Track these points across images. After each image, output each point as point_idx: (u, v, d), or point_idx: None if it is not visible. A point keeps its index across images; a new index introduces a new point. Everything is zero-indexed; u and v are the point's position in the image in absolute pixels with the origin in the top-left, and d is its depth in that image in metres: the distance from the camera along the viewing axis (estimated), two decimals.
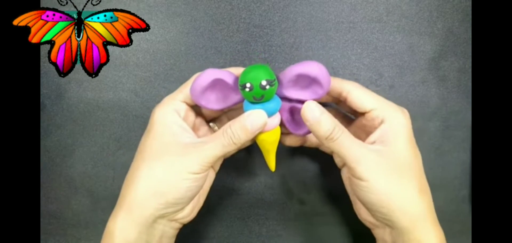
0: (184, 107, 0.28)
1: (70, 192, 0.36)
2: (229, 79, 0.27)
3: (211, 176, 0.31)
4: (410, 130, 0.27)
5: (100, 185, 0.36)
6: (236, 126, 0.26)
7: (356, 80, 0.35)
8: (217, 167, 0.32)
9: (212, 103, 0.28)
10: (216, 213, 0.36)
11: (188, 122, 0.29)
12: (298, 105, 0.28)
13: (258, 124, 0.26)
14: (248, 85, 0.25)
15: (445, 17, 0.35)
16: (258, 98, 0.26)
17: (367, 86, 0.35)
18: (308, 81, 0.27)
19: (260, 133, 0.28)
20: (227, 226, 0.36)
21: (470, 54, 0.35)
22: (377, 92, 0.35)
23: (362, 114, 0.29)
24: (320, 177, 0.36)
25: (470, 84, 0.36)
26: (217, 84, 0.27)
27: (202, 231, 0.36)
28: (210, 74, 0.26)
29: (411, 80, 0.35)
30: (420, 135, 0.36)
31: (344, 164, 0.31)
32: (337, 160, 0.32)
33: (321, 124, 0.26)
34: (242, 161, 0.36)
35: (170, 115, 0.27)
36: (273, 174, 0.34)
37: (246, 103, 0.27)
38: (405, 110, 0.28)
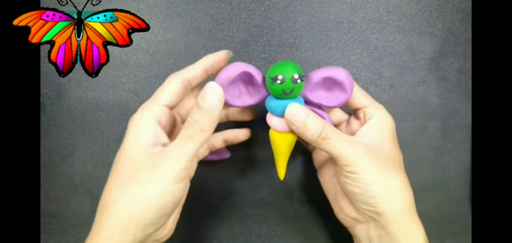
0: (165, 111, 0.27)
1: (70, 192, 0.36)
2: (256, 74, 0.27)
3: (187, 184, 0.27)
4: (394, 129, 0.29)
5: (100, 185, 0.35)
6: (194, 110, 0.24)
7: (356, 80, 0.35)
8: (192, 172, 0.30)
9: (235, 98, 0.27)
10: (216, 213, 0.36)
11: (170, 126, 0.27)
12: (316, 109, 0.28)
13: (213, 95, 0.24)
14: (280, 77, 0.25)
15: (445, 17, 0.35)
16: (288, 92, 0.26)
17: (367, 86, 0.35)
18: (333, 85, 0.27)
19: (279, 132, 0.27)
20: (227, 226, 0.36)
21: (470, 54, 0.35)
22: (377, 92, 0.35)
23: (354, 112, 0.30)
24: None
25: (470, 84, 0.36)
26: (241, 79, 0.27)
27: (202, 231, 0.36)
28: (238, 67, 0.26)
29: (411, 80, 0.35)
30: (420, 135, 0.36)
31: (322, 165, 0.32)
32: (316, 160, 0.33)
33: (307, 125, 0.26)
34: (242, 161, 0.36)
35: (143, 123, 0.26)
36: (273, 174, 0.34)
37: (270, 99, 0.27)
38: (390, 115, 0.29)
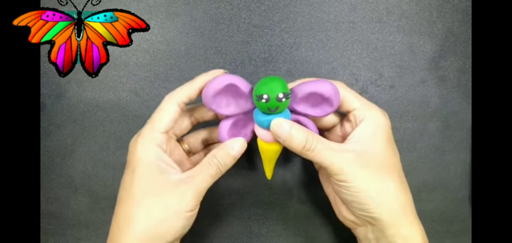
0: (164, 138, 0.28)
1: (70, 192, 0.36)
2: (243, 87, 0.27)
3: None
4: (389, 129, 0.28)
5: (100, 185, 0.36)
6: (221, 153, 0.27)
7: (356, 80, 0.35)
8: None
9: (223, 108, 0.28)
10: (216, 213, 0.36)
11: (168, 153, 0.28)
12: (302, 118, 0.29)
13: (241, 149, 0.28)
14: (265, 96, 0.26)
15: (445, 17, 0.35)
16: (273, 109, 0.26)
17: (367, 86, 0.35)
18: (319, 99, 0.27)
19: (266, 142, 0.28)
20: (227, 226, 0.36)
21: (470, 54, 0.35)
22: (377, 92, 0.35)
23: (344, 115, 0.30)
24: None
25: (470, 84, 0.36)
26: (229, 89, 0.27)
27: (202, 231, 0.36)
28: (224, 79, 0.26)
29: (411, 80, 0.35)
30: (420, 135, 0.36)
31: (321, 166, 0.32)
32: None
33: (293, 137, 0.26)
34: (242, 161, 0.35)
35: (154, 151, 0.27)
36: (273, 174, 0.34)
37: (257, 112, 0.28)
38: (385, 112, 0.29)
